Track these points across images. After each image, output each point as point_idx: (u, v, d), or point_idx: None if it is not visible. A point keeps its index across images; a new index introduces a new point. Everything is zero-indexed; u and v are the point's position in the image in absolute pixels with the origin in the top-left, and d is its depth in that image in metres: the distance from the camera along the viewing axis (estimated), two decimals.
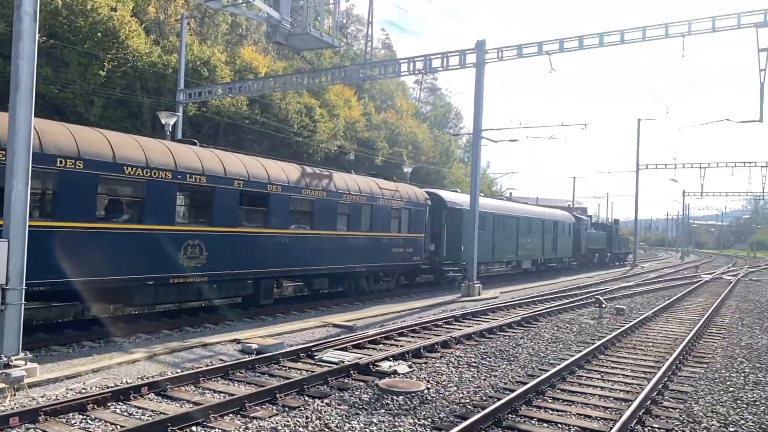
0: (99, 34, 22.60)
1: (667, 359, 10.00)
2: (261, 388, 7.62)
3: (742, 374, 9.77)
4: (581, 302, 18.22)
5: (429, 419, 6.91)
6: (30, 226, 8.50)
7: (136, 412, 6.84)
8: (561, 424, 6.94)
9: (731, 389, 8.76)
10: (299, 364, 9.41)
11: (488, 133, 24.02)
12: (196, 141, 14.18)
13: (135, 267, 11.27)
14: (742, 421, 7.27)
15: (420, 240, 20.50)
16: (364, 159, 36.66)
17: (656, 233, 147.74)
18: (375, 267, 18.40)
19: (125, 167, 11.00)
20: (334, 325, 13.07)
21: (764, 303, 21.02)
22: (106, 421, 6.47)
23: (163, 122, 19.45)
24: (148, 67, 24.96)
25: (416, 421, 6.84)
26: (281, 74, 28.52)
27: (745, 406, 7.94)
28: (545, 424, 6.93)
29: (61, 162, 10.04)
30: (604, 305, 16.58)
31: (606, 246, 44.01)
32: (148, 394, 7.41)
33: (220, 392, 7.72)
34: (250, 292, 14.38)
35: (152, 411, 6.88)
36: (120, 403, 7.06)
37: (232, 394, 7.43)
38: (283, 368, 9.14)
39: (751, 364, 10.61)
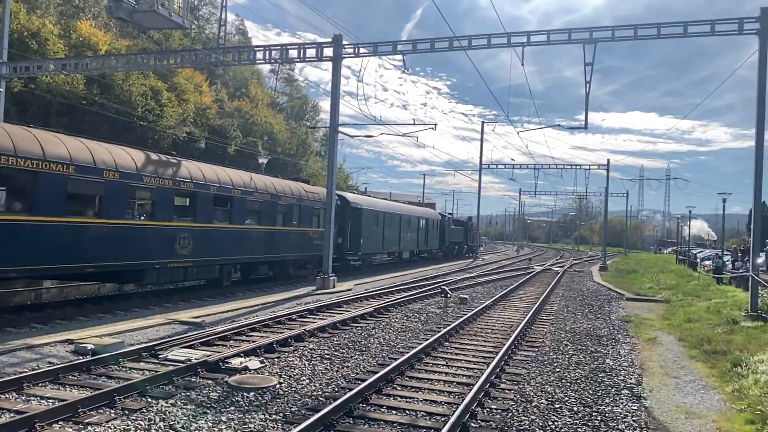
0: None
1: (504, 344, 10.83)
2: (97, 392, 7.03)
3: (567, 356, 10.86)
4: (429, 292, 19.12)
5: (281, 414, 6.84)
6: (86, 223, 12.40)
7: None
8: (409, 410, 7.22)
9: (557, 370, 9.71)
10: (141, 364, 8.85)
11: (345, 128, 24.30)
12: (174, 152, 16.87)
13: (148, 254, 14.16)
14: (566, 398, 8.07)
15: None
16: (216, 148, 35.25)
17: (495, 228, 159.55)
18: (301, 256, 22.01)
19: (144, 177, 13.90)
20: (181, 322, 12.45)
21: (585, 291, 23.57)
22: None
23: None
24: None
25: (267, 416, 6.74)
26: (124, 53, 26.41)
27: (568, 384, 8.84)
28: (394, 411, 7.17)
29: (106, 174, 12.74)
30: (449, 295, 17.56)
31: (463, 239, 51.16)
32: None
33: (50, 398, 7.02)
34: (217, 276, 17.33)
35: None
36: None
37: (63, 400, 6.78)
38: (123, 369, 8.54)
39: (574, 346, 11.83)
